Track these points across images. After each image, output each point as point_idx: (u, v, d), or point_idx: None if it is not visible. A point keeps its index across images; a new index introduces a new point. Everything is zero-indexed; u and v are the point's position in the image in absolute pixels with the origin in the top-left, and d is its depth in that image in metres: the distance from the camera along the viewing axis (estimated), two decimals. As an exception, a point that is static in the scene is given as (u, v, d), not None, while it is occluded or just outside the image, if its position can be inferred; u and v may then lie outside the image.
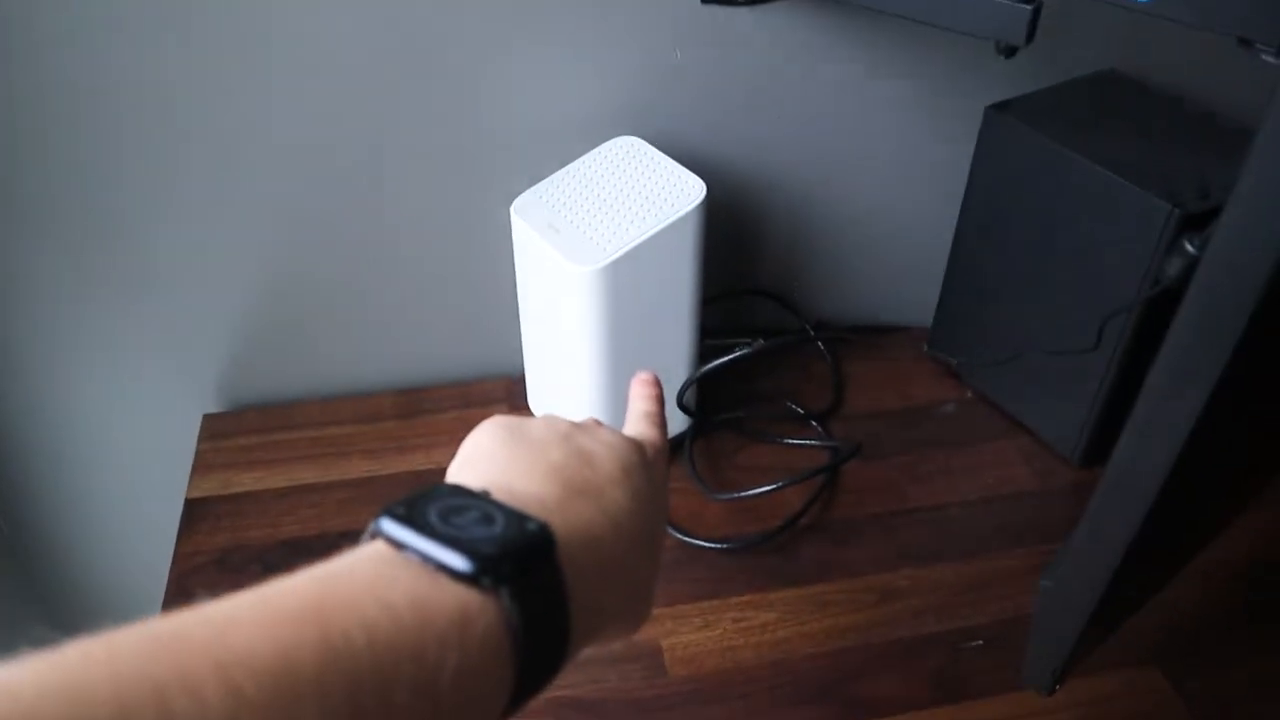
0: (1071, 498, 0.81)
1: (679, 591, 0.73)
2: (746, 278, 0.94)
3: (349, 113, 0.77)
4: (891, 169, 0.89)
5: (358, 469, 0.84)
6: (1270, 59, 0.36)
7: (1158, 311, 0.70)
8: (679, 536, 0.76)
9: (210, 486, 0.82)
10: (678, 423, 0.83)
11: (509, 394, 0.90)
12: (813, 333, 0.94)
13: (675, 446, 0.84)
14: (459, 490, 0.33)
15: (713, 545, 0.76)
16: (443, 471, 0.82)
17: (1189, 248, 0.62)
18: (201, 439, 0.87)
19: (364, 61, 0.75)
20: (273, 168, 0.79)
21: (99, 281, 0.83)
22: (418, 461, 0.84)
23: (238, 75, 0.74)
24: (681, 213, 0.70)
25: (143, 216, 0.80)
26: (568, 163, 0.76)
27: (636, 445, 0.43)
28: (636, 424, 0.49)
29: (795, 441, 0.85)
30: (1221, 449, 0.52)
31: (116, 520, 1.00)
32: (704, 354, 0.80)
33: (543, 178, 0.76)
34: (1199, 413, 0.41)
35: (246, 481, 0.83)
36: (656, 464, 0.45)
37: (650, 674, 0.68)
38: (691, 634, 0.70)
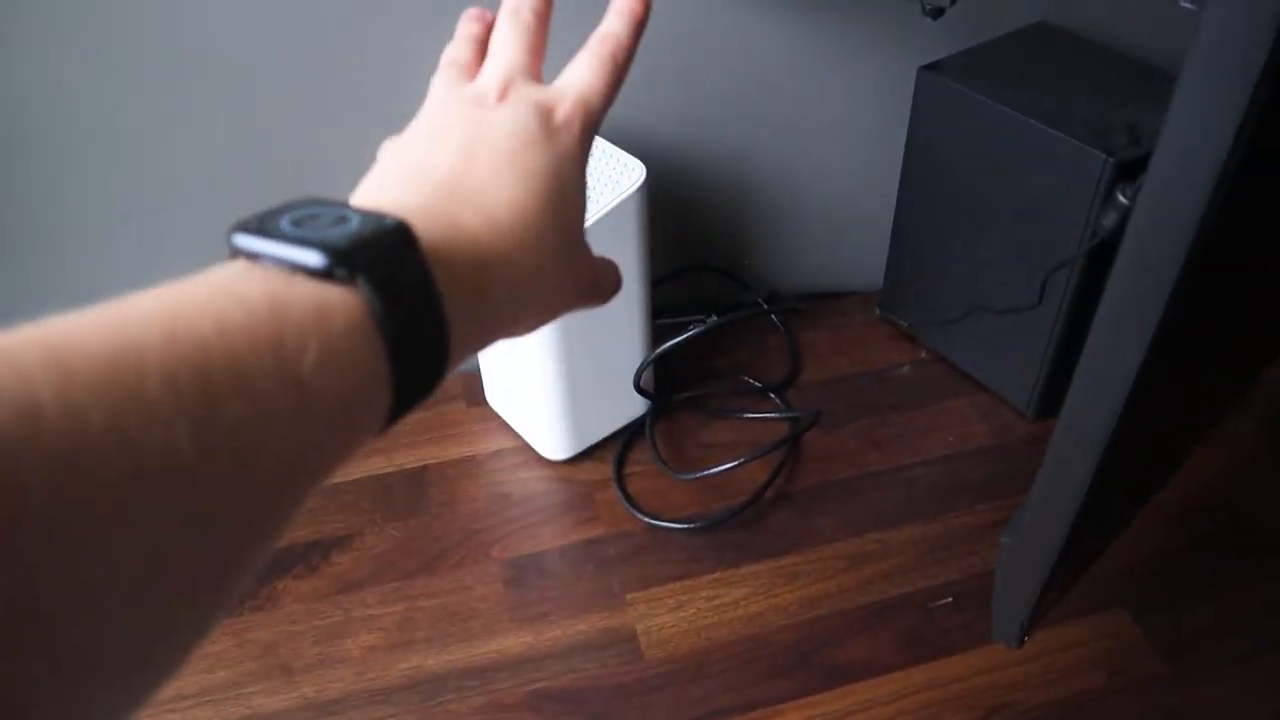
0: (1030, 451, 0.82)
1: (649, 575, 0.73)
2: (695, 255, 0.94)
3: (286, 108, 0.76)
4: (830, 135, 0.89)
5: (319, 477, 0.83)
6: (1187, 5, 0.37)
7: (1099, 263, 0.71)
8: (646, 520, 0.77)
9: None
10: (636, 405, 0.83)
11: (466, 390, 0.89)
12: (765, 305, 0.94)
13: (638, 429, 0.84)
14: (314, 200, 0.31)
15: (681, 526, 0.76)
16: (403, 472, 0.81)
17: (1122, 198, 0.63)
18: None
19: (293, 57, 0.74)
20: (210, 166, 0.78)
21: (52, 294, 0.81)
22: (378, 465, 0.83)
23: (166, 79, 0.72)
24: (623, 196, 0.70)
25: (86, 221, 0.78)
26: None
27: (540, 114, 0.38)
28: (581, 57, 0.42)
29: (755, 415, 0.85)
30: (1170, 394, 0.52)
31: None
32: (658, 335, 0.80)
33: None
34: (1142, 360, 0.41)
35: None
36: (571, 128, 0.39)
37: (627, 659, 0.68)
38: (665, 615, 0.71)
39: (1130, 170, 0.66)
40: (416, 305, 0.30)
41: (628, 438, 0.83)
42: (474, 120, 0.38)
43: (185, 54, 0.71)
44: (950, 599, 0.71)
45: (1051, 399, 0.81)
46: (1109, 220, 0.62)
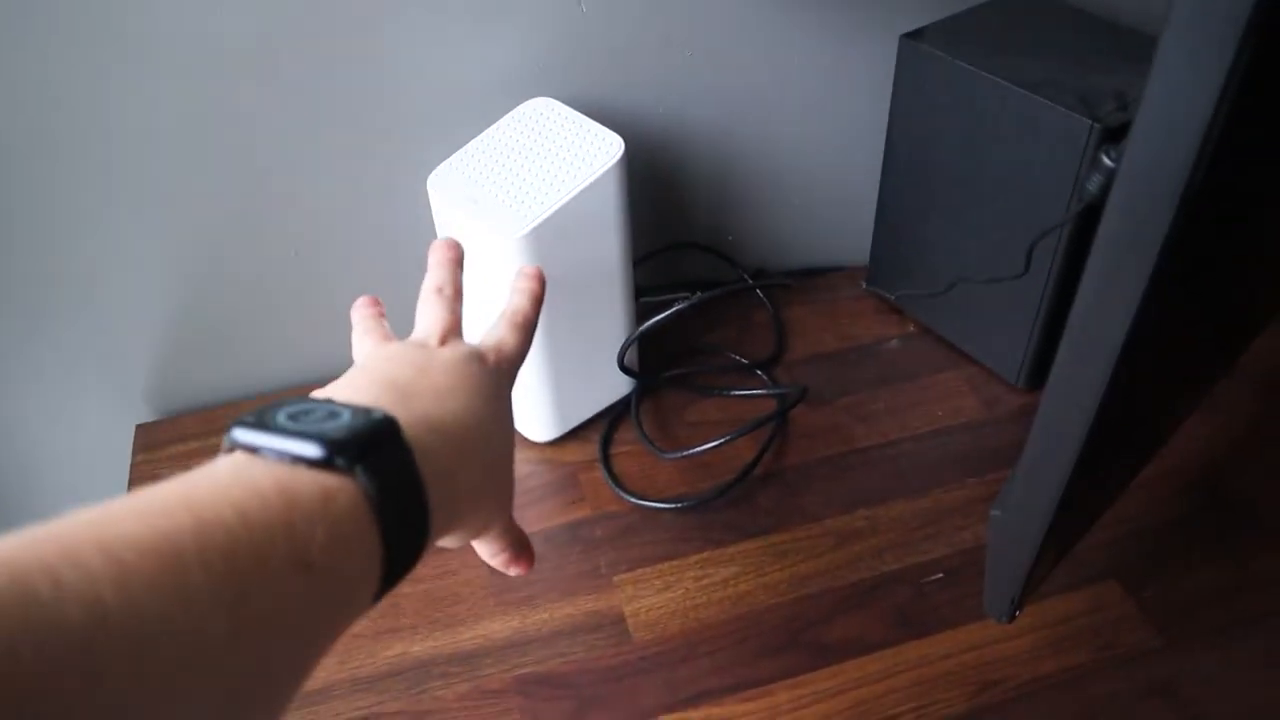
0: (1019, 422, 0.81)
1: (636, 556, 0.72)
2: (677, 232, 0.92)
3: (247, 100, 0.74)
4: (813, 107, 0.88)
5: (301, 464, 0.82)
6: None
7: (1086, 230, 0.70)
8: (632, 500, 0.76)
9: (150, 497, 0.80)
10: (621, 385, 0.82)
11: (449, 373, 0.88)
12: (750, 281, 0.93)
13: (623, 409, 0.83)
14: (303, 398, 0.34)
15: (667, 505, 0.75)
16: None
17: (1107, 160, 0.62)
18: (136, 451, 0.85)
19: (255, 44, 0.72)
20: (177, 163, 0.76)
21: (14, 298, 0.80)
22: (362, 451, 0.82)
23: (127, 73, 0.71)
24: (601, 171, 0.69)
25: (48, 223, 0.77)
26: (482, 130, 0.74)
27: (474, 355, 0.46)
28: (497, 324, 0.52)
29: (742, 393, 0.84)
30: (1159, 361, 0.51)
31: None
32: (641, 314, 0.79)
33: (458, 148, 0.74)
34: (1130, 326, 0.40)
35: (188, 488, 0.81)
36: (500, 368, 0.48)
37: (615, 641, 0.67)
38: (653, 597, 0.70)
39: (1116, 136, 0.65)
40: (404, 490, 0.34)
41: (613, 418, 0.82)
42: (422, 353, 0.45)
43: (167, 41, 0.70)
44: (941, 575, 0.70)
45: (1041, 369, 0.81)
46: (1094, 184, 0.61)
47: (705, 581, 0.71)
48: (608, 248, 0.73)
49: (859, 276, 0.94)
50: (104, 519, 0.25)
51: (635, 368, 0.81)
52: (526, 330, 0.53)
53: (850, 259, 0.97)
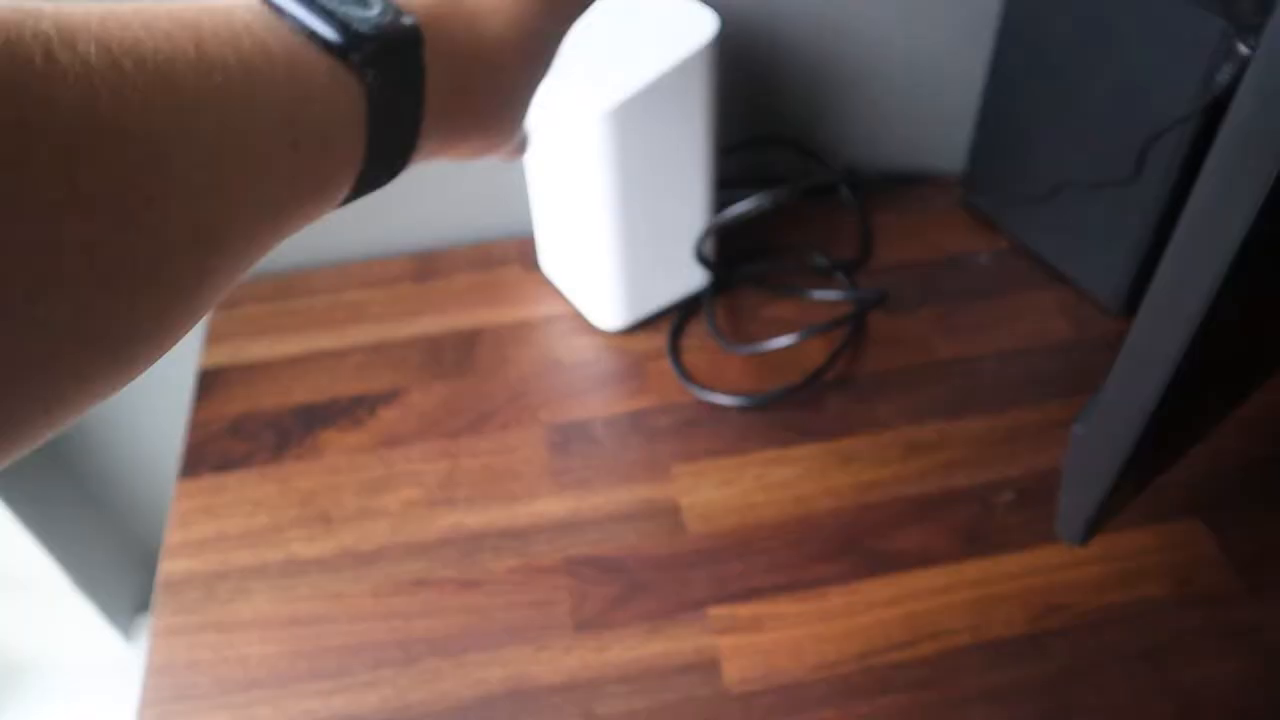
0: (1111, 349, 0.76)
1: (698, 449, 0.71)
2: (766, 125, 0.89)
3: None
4: (920, 1, 0.83)
5: (371, 334, 0.82)
6: None
7: (1205, 135, 0.65)
8: (698, 394, 0.74)
9: (222, 356, 0.81)
10: (696, 278, 0.80)
11: (521, 254, 0.87)
12: (839, 181, 0.89)
13: (696, 304, 0.81)
14: None
15: (734, 401, 0.73)
16: (455, 333, 0.80)
17: (1242, 48, 0.56)
18: (213, 309, 0.85)
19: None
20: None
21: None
22: (431, 325, 0.82)
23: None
24: (693, 49, 0.65)
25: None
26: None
27: None
28: None
29: (821, 294, 0.81)
30: (1274, 276, 0.48)
31: (131, 390, 0.99)
32: (723, 206, 0.76)
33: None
34: (1249, 226, 0.37)
35: (258, 349, 0.81)
36: None
37: (669, 531, 0.66)
38: (711, 491, 0.69)
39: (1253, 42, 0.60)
40: (403, 109, 0.33)
41: (685, 312, 0.80)
42: None
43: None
44: (1012, 495, 0.68)
45: (1142, 292, 0.76)
46: (1224, 75, 0.56)
47: (766, 481, 0.69)
48: (693, 132, 0.70)
49: (952, 187, 0.90)
50: (110, 14, 0.24)
51: (712, 259, 0.78)
52: None
53: (944, 168, 0.92)
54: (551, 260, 0.82)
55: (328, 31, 0.29)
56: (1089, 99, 0.71)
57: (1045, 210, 0.79)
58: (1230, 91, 0.56)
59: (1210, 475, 0.68)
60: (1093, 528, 0.56)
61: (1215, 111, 0.62)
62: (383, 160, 0.32)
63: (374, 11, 0.31)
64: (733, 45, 0.75)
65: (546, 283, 0.84)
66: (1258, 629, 0.61)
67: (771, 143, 0.89)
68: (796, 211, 0.88)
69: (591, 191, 0.70)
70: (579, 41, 0.68)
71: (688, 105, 0.68)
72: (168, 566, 0.66)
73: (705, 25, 0.66)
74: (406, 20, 0.32)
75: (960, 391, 0.74)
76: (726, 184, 0.79)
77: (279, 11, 0.29)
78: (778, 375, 0.75)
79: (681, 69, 0.66)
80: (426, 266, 0.87)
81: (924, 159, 0.93)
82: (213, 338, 0.82)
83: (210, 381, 0.79)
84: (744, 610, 0.62)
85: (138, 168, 0.23)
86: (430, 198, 0.88)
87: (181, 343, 0.86)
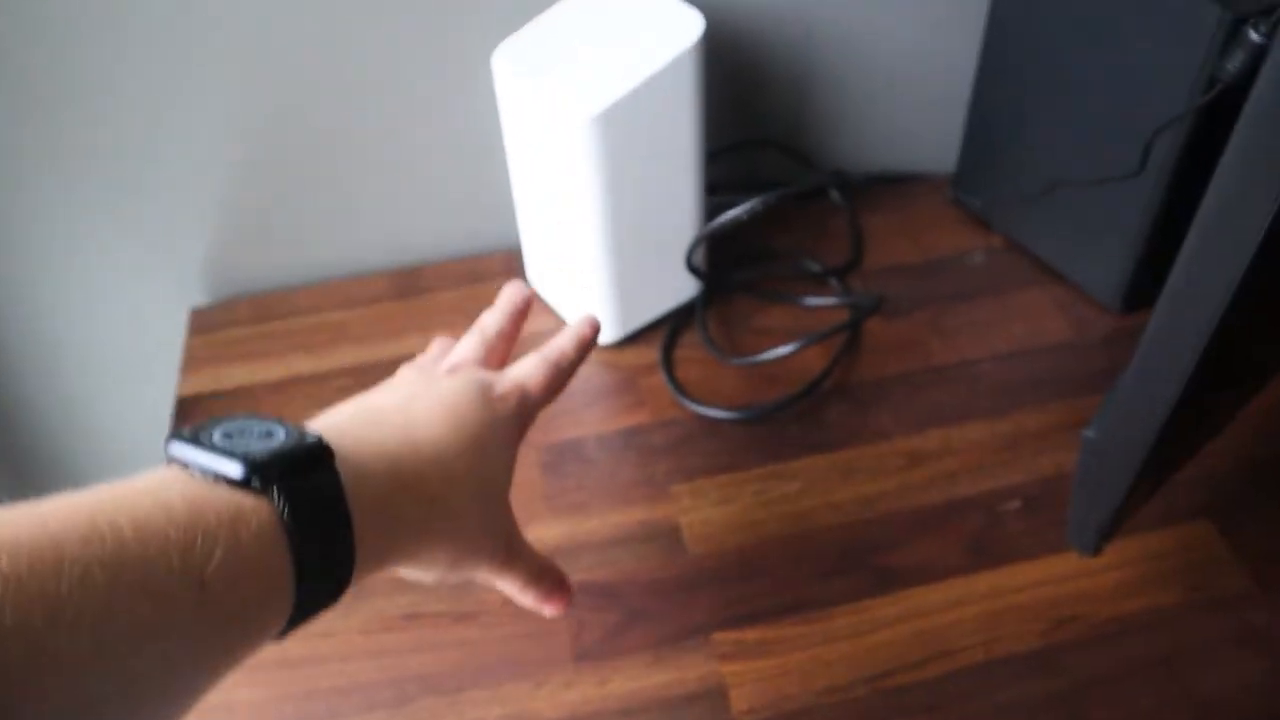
0: (1111, 347, 0.76)
1: (695, 466, 0.69)
2: (753, 128, 0.87)
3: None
4: (908, -2, 0.81)
5: (353, 355, 0.79)
6: None
7: (1208, 125, 0.63)
8: (694, 408, 0.72)
9: (202, 383, 0.78)
10: (686, 288, 0.78)
11: (508, 268, 0.84)
12: (828, 184, 0.87)
13: (688, 314, 0.78)
14: (250, 415, 0.34)
15: (730, 415, 0.71)
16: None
17: (1254, 35, 0.54)
18: (190, 334, 0.83)
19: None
20: (238, 42, 0.72)
21: (69, 175, 0.78)
22: (415, 344, 0.79)
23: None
24: (679, 51, 0.63)
25: (108, 97, 0.74)
26: (551, 3, 0.69)
27: (478, 388, 0.44)
28: (530, 358, 0.49)
29: (814, 300, 0.79)
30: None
31: (110, 422, 0.97)
32: (711, 212, 0.74)
33: (525, 23, 0.69)
34: (1270, 222, 0.35)
35: (239, 375, 0.79)
36: (510, 406, 0.45)
37: (669, 553, 0.64)
38: (710, 509, 0.66)
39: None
40: (325, 516, 0.33)
41: (676, 322, 0.78)
42: (422, 380, 0.44)
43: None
44: (1018, 502, 0.66)
45: (1141, 288, 0.75)
46: (1234, 63, 0.54)
47: (766, 497, 0.67)
48: (681, 137, 0.68)
49: (942, 185, 0.88)
50: (5, 519, 0.25)
51: (702, 268, 0.77)
52: (558, 372, 0.49)
53: (934, 166, 0.90)
54: (539, 273, 0.80)
55: (230, 468, 0.30)
56: (1082, 92, 0.70)
57: (1039, 207, 0.77)
58: (1240, 80, 0.55)
59: (1217, 474, 0.67)
60: (1106, 536, 0.54)
61: (1215, 107, 0.60)
62: (319, 579, 0.33)
63: (276, 440, 0.32)
64: (717, 46, 0.73)
65: (534, 296, 0.82)
66: (1274, 631, 0.59)
67: (758, 145, 0.87)
68: (785, 214, 0.86)
69: (579, 199, 0.68)
70: (563, 44, 0.66)
71: (676, 108, 0.66)
72: (149, 607, 0.64)
73: (692, 25, 0.64)
74: (310, 438, 0.33)
75: (960, 397, 0.73)
76: (713, 189, 0.77)
77: (185, 465, 0.31)
78: (773, 385, 0.73)
79: (669, 71, 0.64)
80: (409, 283, 0.85)
81: (912, 158, 0.91)
82: (190, 364, 0.80)
83: (189, 410, 0.76)
84: (749, 634, 0.60)
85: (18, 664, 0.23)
86: (412, 210, 0.86)
87: (158, 369, 0.84)
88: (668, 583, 0.63)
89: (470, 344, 0.50)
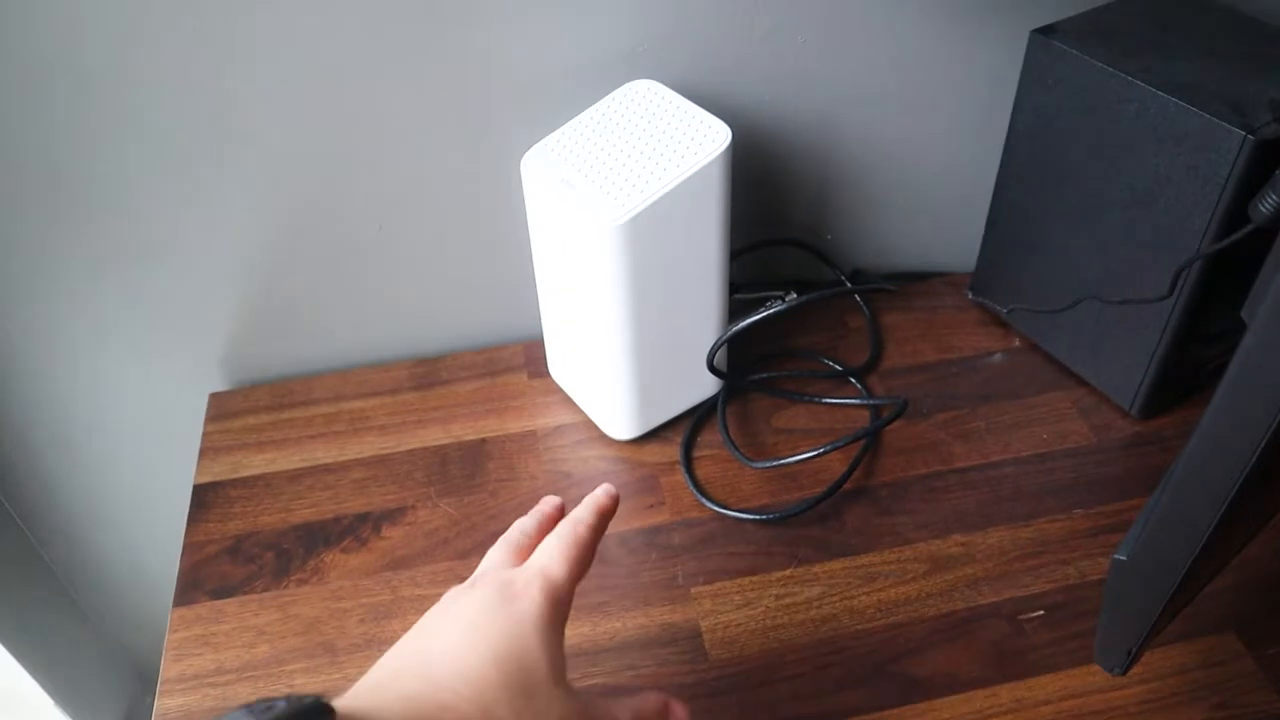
0: (1131, 452, 0.76)
1: (716, 567, 0.69)
2: (776, 228, 0.88)
3: (344, 68, 0.72)
4: (928, 103, 0.83)
5: (373, 446, 0.80)
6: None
7: (1228, 250, 0.64)
8: (714, 508, 0.72)
9: (219, 470, 0.78)
10: (708, 386, 0.78)
11: (528, 360, 0.85)
12: (848, 284, 0.88)
13: (708, 411, 0.79)
14: (247, 706, 0.35)
15: (751, 517, 0.71)
16: (460, 445, 0.77)
17: None
18: (208, 420, 0.83)
19: (355, 13, 0.69)
20: (265, 133, 0.74)
21: (95, 260, 0.79)
22: (435, 436, 0.80)
23: (228, 37, 0.68)
24: (706, 160, 0.65)
25: (132, 185, 0.75)
26: (580, 111, 0.71)
27: (496, 590, 0.45)
28: (550, 543, 0.49)
29: (834, 401, 0.80)
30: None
31: (127, 507, 0.97)
32: (733, 311, 0.75)
33: (555, 128, 0.71)
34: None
35: (257, 464, 0.79)
36: (523, 599, 0.45)
37: (690, 658, 0.64)
38: (731, 613, 0.66)
39: (1272, 150, 0.60)
40: None
41: (697, 419, 0.79)
42: (441, 607, 0.46)
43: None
44: (1041, 611, 0.66)
45: (1160, 396, 0.75)
46: (1268, 205, 0.55)
47: (788, 601, 0.67)
48: (706, 242, 0.69)
49: (962, 284, 0.89)
50: None
51: (723, 368, 0.77)
52: (581, 546, 0.49)
53: (954, 265, 0.92)
54: (560, 367, 0.81)
55: None
56: (1102, 208, 0.71)
57: (1057, 314, 0.78)
58: (1274, 222, 0.55)
59: (1242, 585, 0.66)
60: (1135, 656, 0.54)
61: (1237, 218, 0.61)
62: None
63: (278, 708, 0.34)
64: (741, 151, 0.75)
65: (553, 390, 0.82)
66: (1306, 755, 0.58)
67: (781, 245, 0.88)
68: (804, 314, 0.87)
69: (604, 302, 0.68)
70: (592, 149, 0.67)
71: (702, 216, 0.67)
72: (164, 704, 0.63)
73: (719, 136, 0.66)
74: (307, 701, 0.35)
75: (981, 502, 0.72)
76: (735, 287, 0.78)
77: None
78: (793, 485, 0.73)
79: (695, 180, 0.65)
80: (429, 373, 0.86)
81: (932, 258, 0.92)
82: (207, 451, 0.80)
83: (206, 498, 0.76)
84: (772, 745, 0.59)
85: None
86: (434, 301, 0.87)
87: (176, 454, 0.84)
88: (689, 688, 0.62)
89: (499, 551, 0.51)
